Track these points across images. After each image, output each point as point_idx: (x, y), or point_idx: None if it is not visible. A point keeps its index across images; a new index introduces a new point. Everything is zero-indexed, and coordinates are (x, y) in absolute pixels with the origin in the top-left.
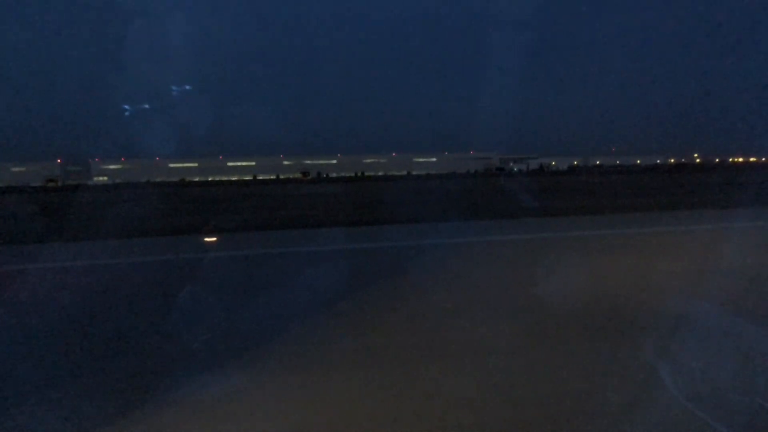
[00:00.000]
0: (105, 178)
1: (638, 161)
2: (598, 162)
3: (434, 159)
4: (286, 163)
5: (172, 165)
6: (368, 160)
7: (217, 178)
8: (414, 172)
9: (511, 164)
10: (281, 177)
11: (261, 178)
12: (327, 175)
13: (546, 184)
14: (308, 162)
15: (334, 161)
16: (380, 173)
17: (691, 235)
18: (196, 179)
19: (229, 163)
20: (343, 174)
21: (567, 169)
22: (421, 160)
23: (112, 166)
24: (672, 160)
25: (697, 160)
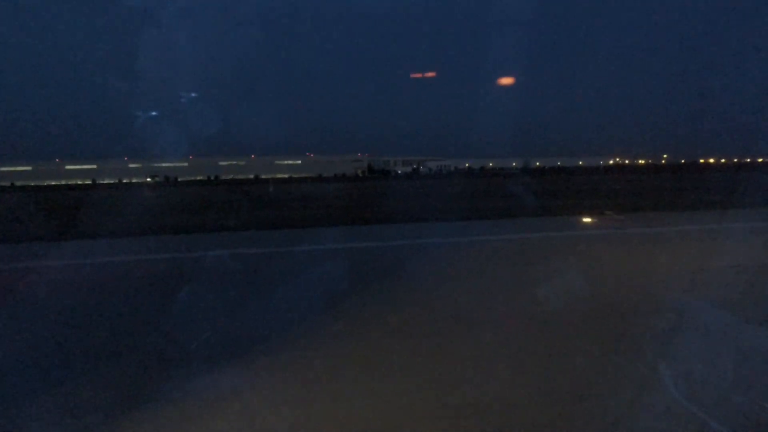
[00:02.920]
0: None
1: (581, 162)
2: (537, 164)
3: (299, 162)
4: (132, 166)
5: (1, 168)
6: (224, 163)
7: (53, 183)
8: (263, 176)
9: (419, 166)
10: (124, 181)
11: (104, 182)
12: (176, 179)
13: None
14: (158, 165)
15: (186, 164)
16: (237, 176)
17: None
18: (31, 183)
19: (68, 167)
20: (197, 178)
21: (454, 171)
22: (284, 162)
23: None
24: (617, 161)
25: (640, 161)
